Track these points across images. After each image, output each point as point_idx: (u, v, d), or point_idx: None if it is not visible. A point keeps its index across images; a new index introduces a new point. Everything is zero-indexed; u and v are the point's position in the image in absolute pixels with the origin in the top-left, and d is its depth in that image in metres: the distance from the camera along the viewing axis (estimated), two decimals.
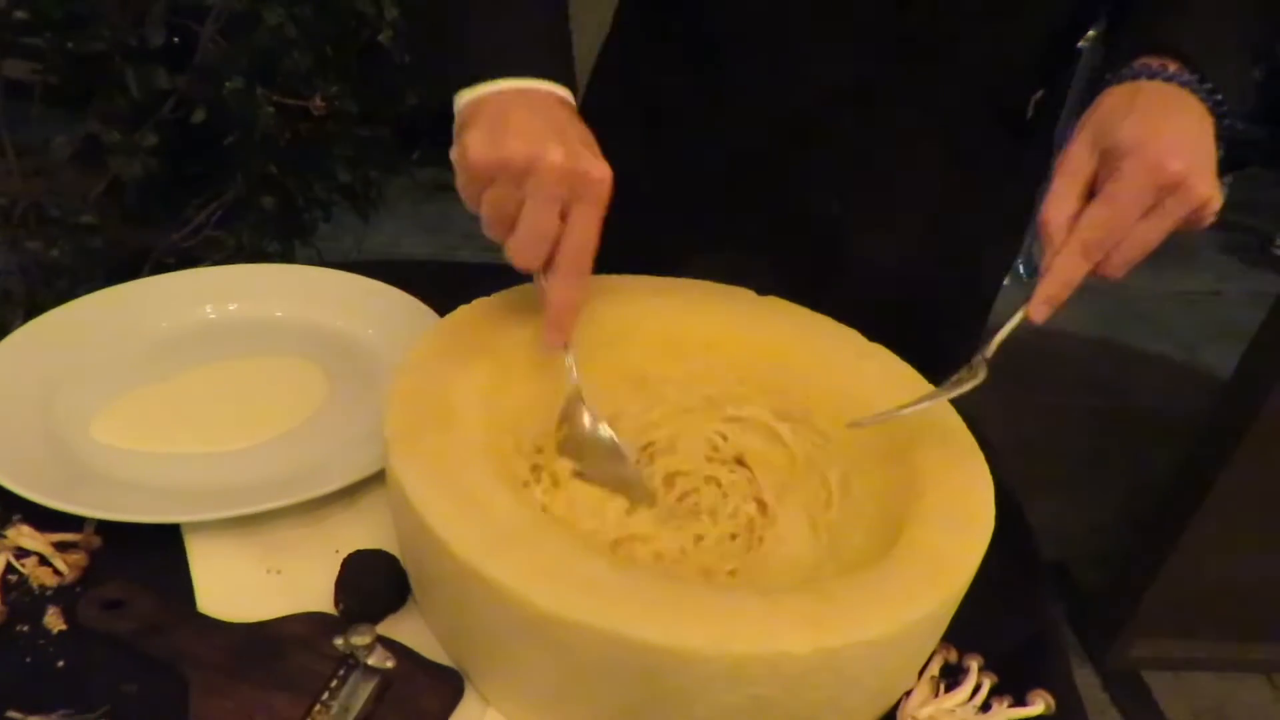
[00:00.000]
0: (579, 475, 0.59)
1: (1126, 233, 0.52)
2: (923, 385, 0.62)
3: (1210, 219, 0.53)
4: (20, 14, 1.06)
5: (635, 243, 0.63)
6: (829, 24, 0.68)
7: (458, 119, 0.54)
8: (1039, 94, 0.76)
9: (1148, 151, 0.50)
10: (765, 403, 0.65)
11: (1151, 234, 0.52)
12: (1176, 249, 3.14)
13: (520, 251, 0.52)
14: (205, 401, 0.67)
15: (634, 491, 0.59)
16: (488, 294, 0.63)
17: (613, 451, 0.59)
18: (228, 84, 1.08)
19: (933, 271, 0.82)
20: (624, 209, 0.56)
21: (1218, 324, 2.71)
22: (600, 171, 0.51)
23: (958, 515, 0.52)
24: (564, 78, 0.55)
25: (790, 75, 0.71)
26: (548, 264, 0.53)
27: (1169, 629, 1.65)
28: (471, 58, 0.54)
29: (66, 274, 1.27)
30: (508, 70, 0.53)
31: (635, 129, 0.74)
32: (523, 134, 0.50)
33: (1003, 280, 0.94)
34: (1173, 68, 0.56)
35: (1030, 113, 0.77)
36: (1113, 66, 0.59)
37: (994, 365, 0.55)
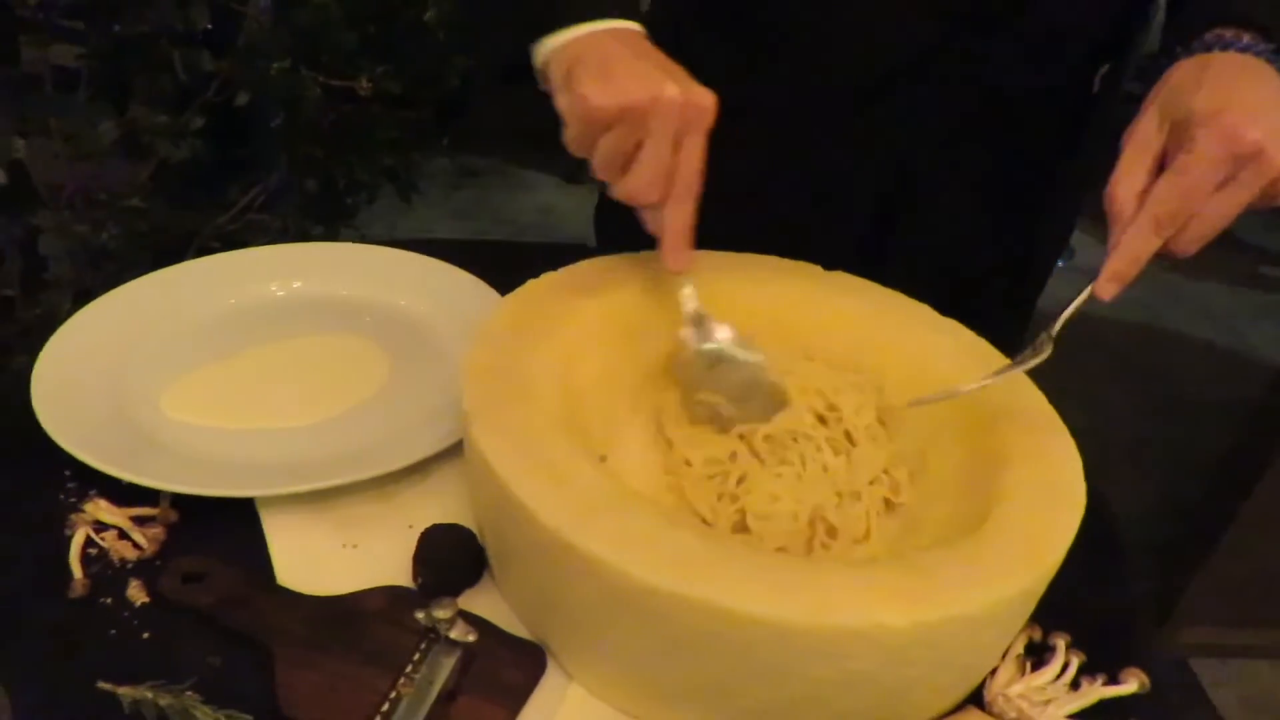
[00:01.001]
0: (692, 418, 0.59)
1: (1200, 206, 0.49)
2: (997, 358, 0.61)
3: None
4: None
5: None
6: None
7: (553, 67, 0.54)
8: (1105, 68, 0.74)
9: (1223, 120, 0.48)
10: (835, 379, 0.64)
11: (1227, 207, 0.49)
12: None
13: (642, 188, 0.53)
14: (272, 378, 0.67)
15: (758, 402, 0.58)
16: (539, 272, 0.63)
17: (733, 360, 0.59)
18: (275, 64, 1.08)
19: (985, 246, 0.81)
20: None
21: (1261, 306, 2.66)
22: (709, 99, 0.53)
23: (1048, 491, 0.50)
24: (638, 17, 0.56)
25: (848, 46, 0.70)
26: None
27: (1217, 616, 1.62)
28: (555, 4, 0.55)
29: (114, 258, 1.28)
30: (593, 13, 0.54)
31: None
32: (636, 76, 0.51)
33: (1058, 259, 0.92)
34: (1247, 38, 0.53)
35: (1096, 87, 0.75)
36: (1182, 38, 0.56)
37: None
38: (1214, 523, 1.55)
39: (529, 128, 3.26)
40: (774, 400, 0.60)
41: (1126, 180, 0.51)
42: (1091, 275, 0.52)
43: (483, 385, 0.52)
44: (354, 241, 0.82)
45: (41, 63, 1.20)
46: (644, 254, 0.67)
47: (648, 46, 0.55)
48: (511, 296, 0.61)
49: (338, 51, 1.11)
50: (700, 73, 0.60)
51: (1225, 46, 0.53)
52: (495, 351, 0.55)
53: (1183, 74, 0.52)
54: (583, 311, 0.60)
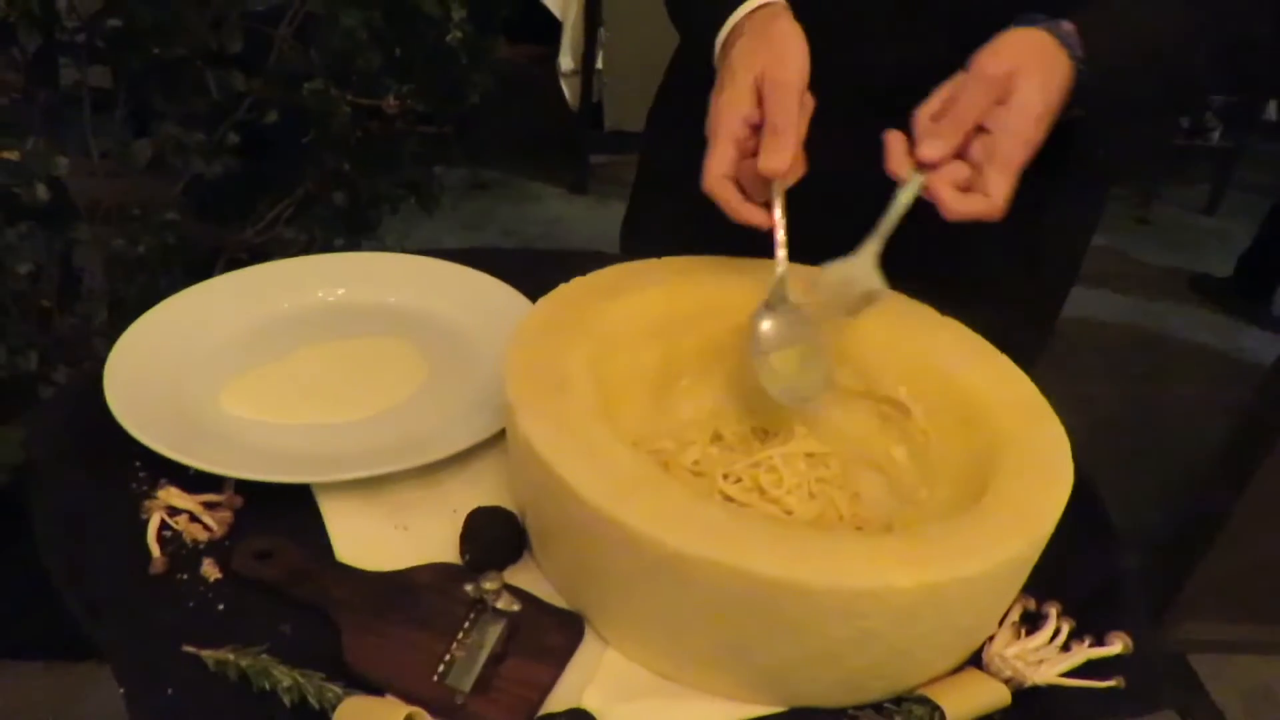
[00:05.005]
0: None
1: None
2: (997, 356, 0.66)
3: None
4: (114, 21, 1.11)
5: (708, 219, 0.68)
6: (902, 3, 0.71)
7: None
8: None
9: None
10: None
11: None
12: (1215, 235, 3.14)
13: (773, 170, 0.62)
14: (323, 377, 0.72)
15: (817, 373, 0.65)
16: (558, 278, 0.67)
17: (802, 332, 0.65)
18: (307, 84, 1.14)
19: (994, 251, 0.84)
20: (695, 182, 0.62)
21: (1252, 312, 2.71)
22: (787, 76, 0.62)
23: (1039, 470, 0.55)
24: None
25: (861, 56, 0.73)
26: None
27: (1214, 612, 1.66)
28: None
29: (147, 269, 1.33)
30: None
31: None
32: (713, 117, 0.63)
33: (1074, 265, 0.94)
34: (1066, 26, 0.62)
35: None
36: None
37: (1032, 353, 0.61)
38: (1210, 520, 1.59)
39: (535, 140, 3.32)
40: (827, 374, 0.66)
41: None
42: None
43: (524, 378, 0.58)
44: (372, 252, 0.88)
45: (80, 85, 1.26)
46: (667, 259, 0.72)
47: (766, 29, 0.64)
48: (546, 299, 0.66)
49: (365, 72, 1.17)
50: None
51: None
52: (533, 348, 0.60)
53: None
54: (612, 313, 0.65)
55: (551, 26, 2.90)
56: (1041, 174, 0.79)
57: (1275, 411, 1.52)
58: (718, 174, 0.63)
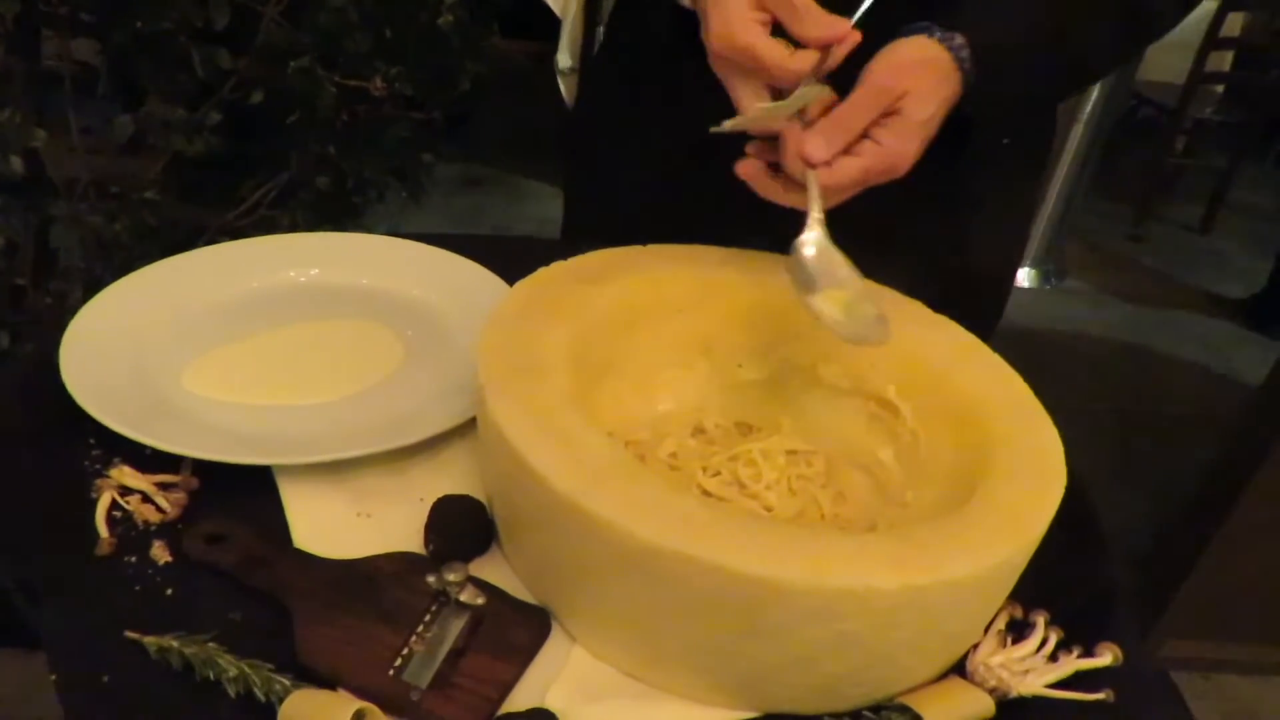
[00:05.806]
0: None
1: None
2: (989, 355, 0.64)
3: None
4: None
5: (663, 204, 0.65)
6: None
7: None
8: None
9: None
10: (832, 372, 0.67)
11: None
12: (1209, 254, 3.14)
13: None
14: (290, 358, 0.69)
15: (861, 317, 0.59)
16: (544, 264, 0.65)
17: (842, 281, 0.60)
18: (293, 63, 1.11)
19: (918, 244, 0.79)
20: (646, 168, 0.58)
21: (1249, 330, 2.71)
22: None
23: (1031, 471, 0.53)
24: None
25: None
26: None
27: (1199, 630, 1.65)
28: None
29: (124, 249, 1.30)
30: None
31: (652, 89, 0.73)
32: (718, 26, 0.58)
33: (1011, 266, 0.91)
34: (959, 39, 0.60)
35: None
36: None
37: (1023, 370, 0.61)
38: (1196, 538, 1.58)
39: (530, 137, 3.31)
40: (880, 314, 0.60)
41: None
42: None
43: (497, 361, 0.55)
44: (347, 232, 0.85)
45: (62, 59, 1.23)
46: (651, 247, 0.70)
47: None
48: (524, 282, 0.64)
49: (353, 53, 1.14)
50: (640, 52, 0.66)
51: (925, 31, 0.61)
52: (508, 331, 0.58)
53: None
54: (591, 298, 0.63)
55: (550, 23, 2.88)
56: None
57: (1265, 430, 1.51)
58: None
